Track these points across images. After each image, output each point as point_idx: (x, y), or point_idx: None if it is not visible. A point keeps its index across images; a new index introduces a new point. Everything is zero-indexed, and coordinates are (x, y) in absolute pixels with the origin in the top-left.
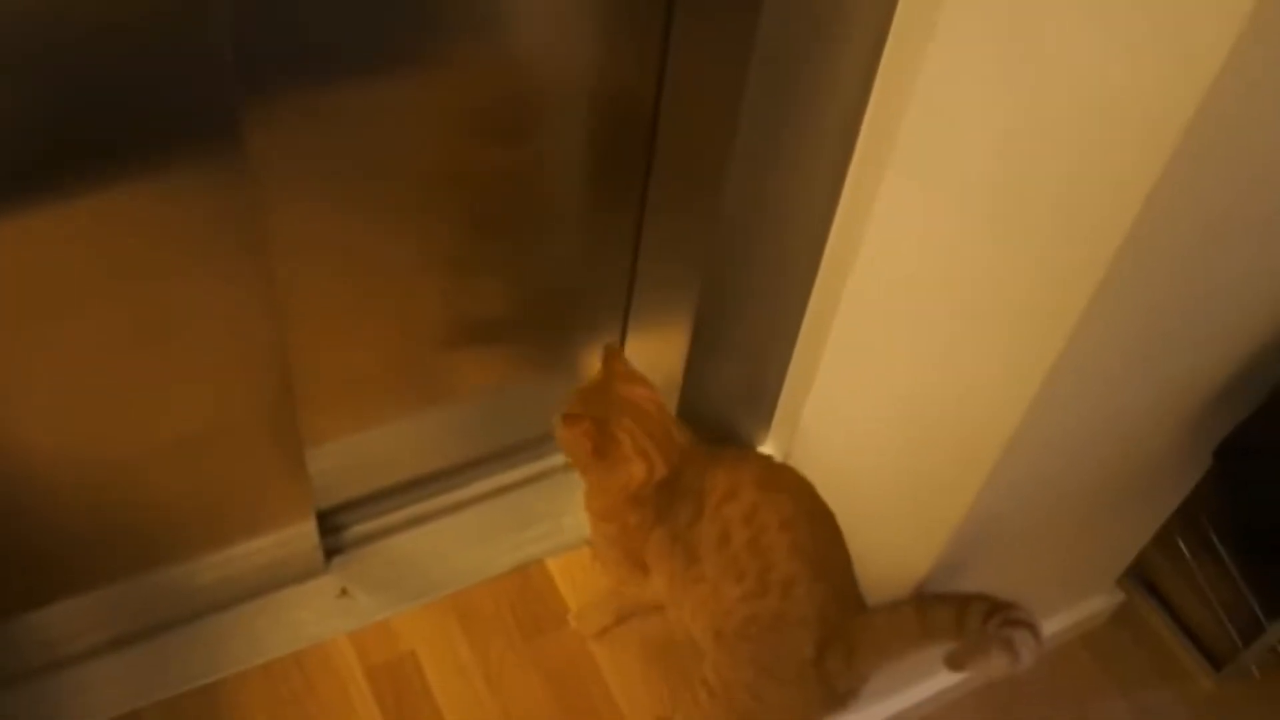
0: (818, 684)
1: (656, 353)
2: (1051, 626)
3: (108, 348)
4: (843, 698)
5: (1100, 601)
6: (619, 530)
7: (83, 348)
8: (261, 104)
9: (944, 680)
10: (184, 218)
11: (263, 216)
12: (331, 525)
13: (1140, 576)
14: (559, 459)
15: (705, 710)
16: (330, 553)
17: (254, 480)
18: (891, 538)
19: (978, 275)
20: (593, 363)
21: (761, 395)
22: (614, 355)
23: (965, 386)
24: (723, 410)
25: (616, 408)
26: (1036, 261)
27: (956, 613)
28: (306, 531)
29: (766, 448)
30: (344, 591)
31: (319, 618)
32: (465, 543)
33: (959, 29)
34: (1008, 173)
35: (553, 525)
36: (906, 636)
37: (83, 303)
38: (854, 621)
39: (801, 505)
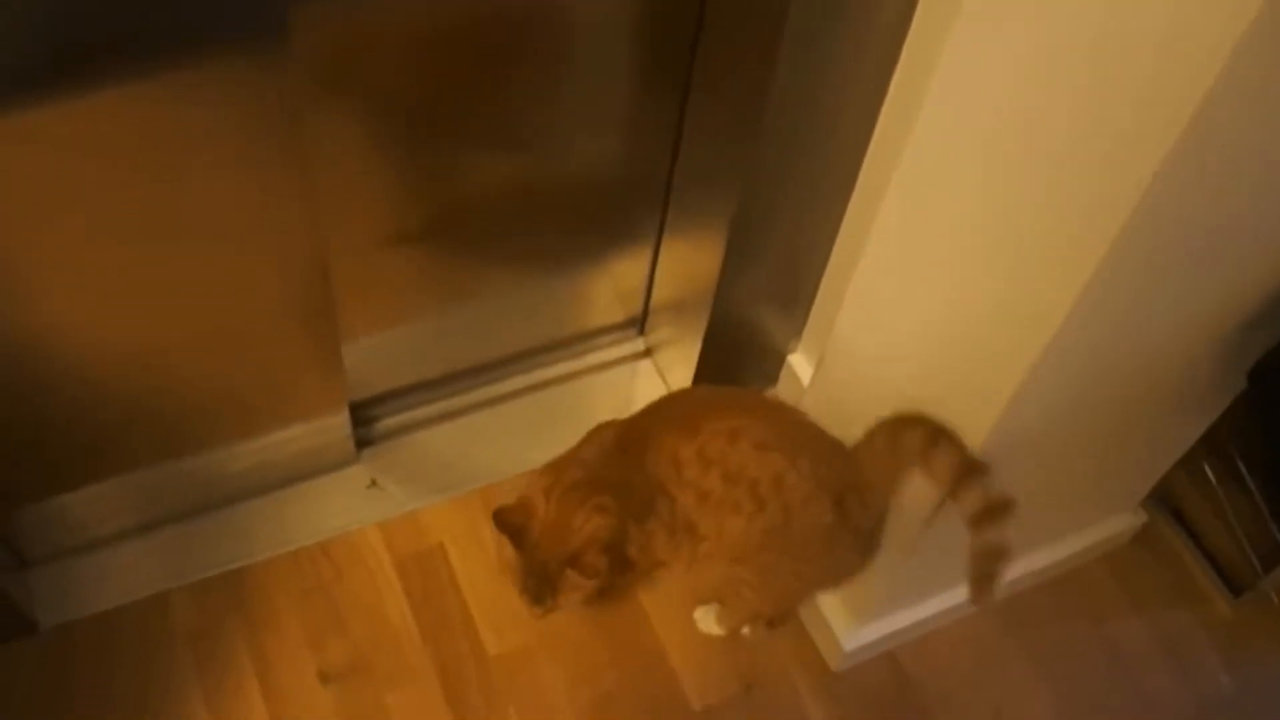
0: (847, 536)
1: (692, 255)
2: (1073, 545)
3: (149, 237)
4: (871, 534)
5: (1123, 522)
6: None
7: (124, 237)
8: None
9: (960, 594)
10: (227, 111)
11: (304, 111)
12: (364, 417)
13: (1164, 499)
14: (590, 359)
15: (751, 604)
16: (361, 444)
17: (290, 370)
18: None
19: (1019, 185)
20: (627, 264)
21: (795, 301)
22: None
23: (1001, 297)
24: (756, 315)
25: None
26: (1080, 171)
27: (922, 443)
28: (339, 423)
29: (798, 354)
30: (374, 483)
31: (348, 508)
32: (496, 438)
33: None
34: (1054, 81)
35: (584, 424)
36: (894, 460)
37: (126, 192)
38: (848, 466)
39: (734, 408)
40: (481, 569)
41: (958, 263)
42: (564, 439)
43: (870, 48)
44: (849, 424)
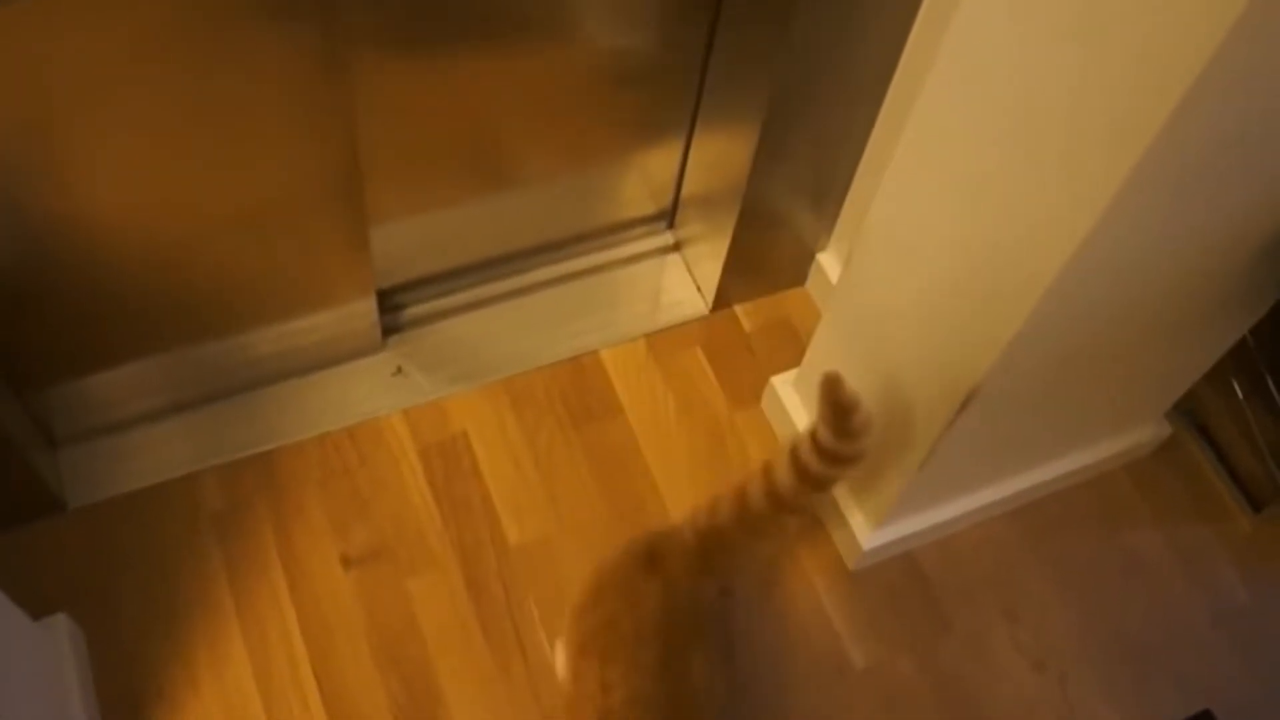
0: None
1: (723, 148)
2: (1095, 453)
3: (178, 117)
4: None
5: (1147, 432)
6: None
7: (152, 117)
8: None
9: (980, 498)
10: None
11: None
12: (390, 304)
13: (1190, 412)
14: (618, 252)
15: None
16: (388, 331)
17: (318, 255)
18: (941, 351)
19: (1058, 81)
20: (658, 157)
21: (826, 199)
22: None
23: (1035, 196)
24: (786, 212)
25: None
26: (1121, 66)
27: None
28: (366, 309)
29: (827, 252)
30: (399, 370)
31: (373, 394)
32: (521, 329)
33: None
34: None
35: (608, 317)
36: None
37: (158, 73)
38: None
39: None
40: (504, 458)
41: (988, 164)
42: (590, 331)
43: None
44: (877, 323)
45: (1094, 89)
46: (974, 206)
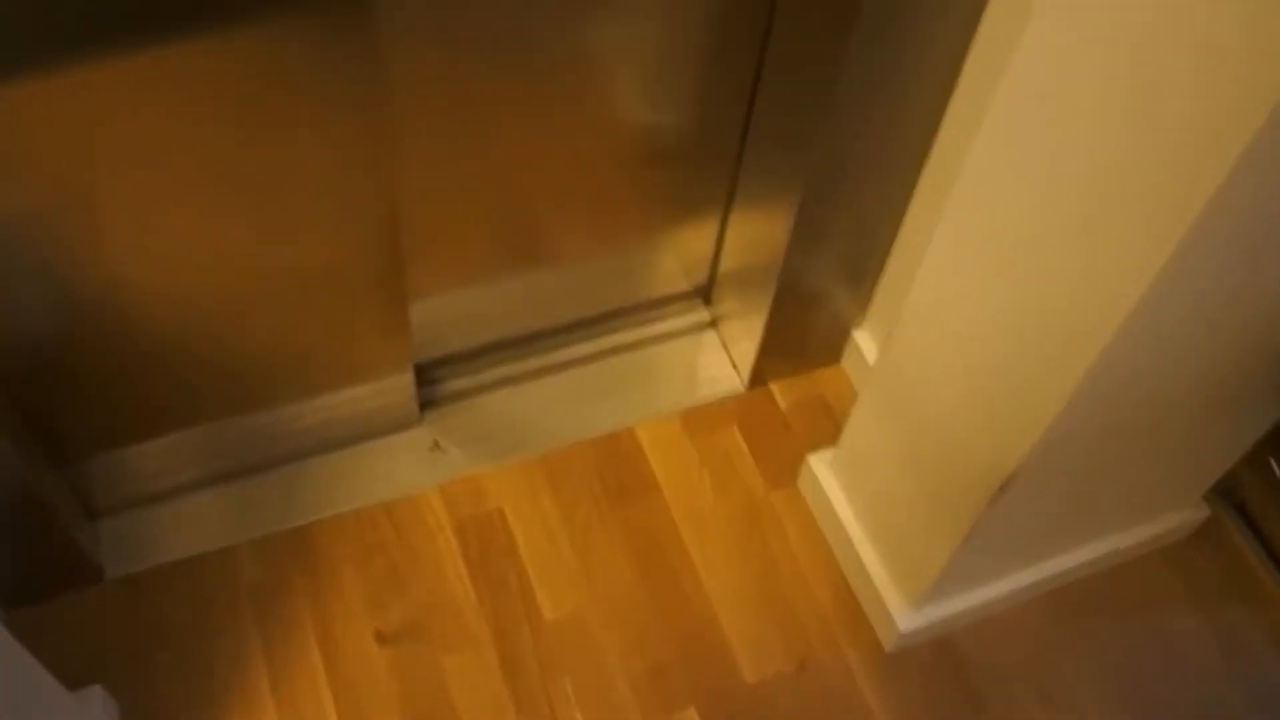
0: None
1: (760, 225)
2: (1132, 537)
3: (222, 187)
4: None
5: (1185, 515)
6: None
7: (197, 187)
8: None
9: (1017, 580)
10: (306, 60)
11: (382, 64)
12: (428, 379)
13: (1228, 493)
14: (655, 328)
15: None
16: (425, 406)
17: (357, 329)
18: (982, 432)
19: (1104, 160)
20: (694, 234)
21: (862, 276)
22: None
23: (1080, 270)
24: (823, 289)
25: None
26: (1170, 135)
27: None
28: (404, 383)
29: (863, 330)
30: (436, 445)
31: (410, 469)
32: (557, 404)
33: None
34: (1138, 66)
35: (645, 393)
36: None
37: (204, 143)
38: None
39: None
40: (540, 535)
41: (1032, 239)
42: (626, 407)
43: (948, 23)
44: (915, 403)
45: (1142, 160)
46: (1017, 284)
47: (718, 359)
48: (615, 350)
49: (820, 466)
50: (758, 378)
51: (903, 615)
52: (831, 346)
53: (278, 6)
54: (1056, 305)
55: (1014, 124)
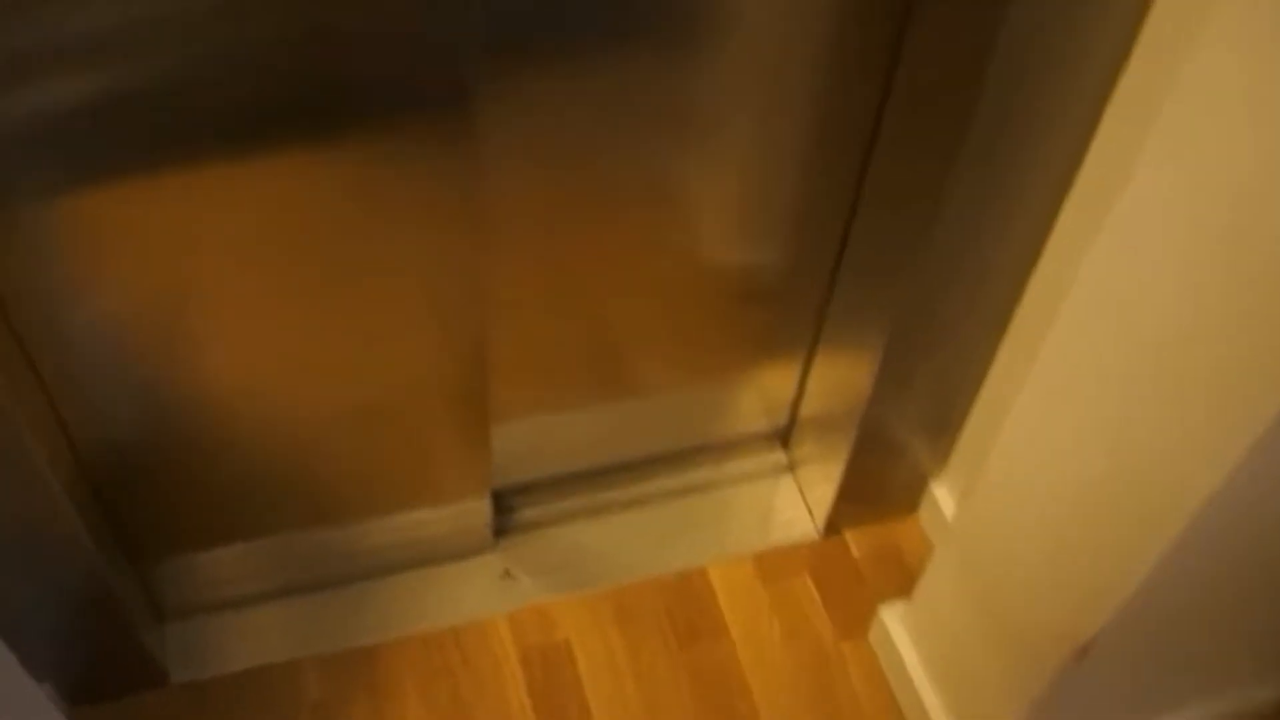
0: None
1: (844, 370)
2: (1216, 708)
3: (310, 301)
4: None
5: (1271, 691)
6: None
7: (285, 299)
8: (497, 80)
9: None
10: (404, 177)
11: (482, 180)
12: (503, 505)
13: None
14: (731, 469)
15: None
16: (498, 532)
17: (438, 450)
18: (1061, 596)
19: (1203, 324)
20: (777, 375)
21: (945, 427)
22: None
23: (1175, 432)
24: (904, 439)
25: None
26: (1273, 306)
27: None
28: (480, 508)
29: (942, 481)
30: (507, 573)
31: (480, 595)
32: (631, 539)
33: (1209, 69)
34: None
35: (718, 534)
36: None
37: (291, 254)
38: None
39: None
40: (605, 670)
41: (1121, 411)
42: (699, 547)
43: (1044, 178)
44: (994, 563)
45: (1242, 323)
46: (1107, 447)
47: (793, 503)
48: (691, 488)
49: (892, 619)
50: (833, 525)
51: None
52: (908, 497)
53: (385, 116)
54: (1147, 470)
55: (1110, 281)
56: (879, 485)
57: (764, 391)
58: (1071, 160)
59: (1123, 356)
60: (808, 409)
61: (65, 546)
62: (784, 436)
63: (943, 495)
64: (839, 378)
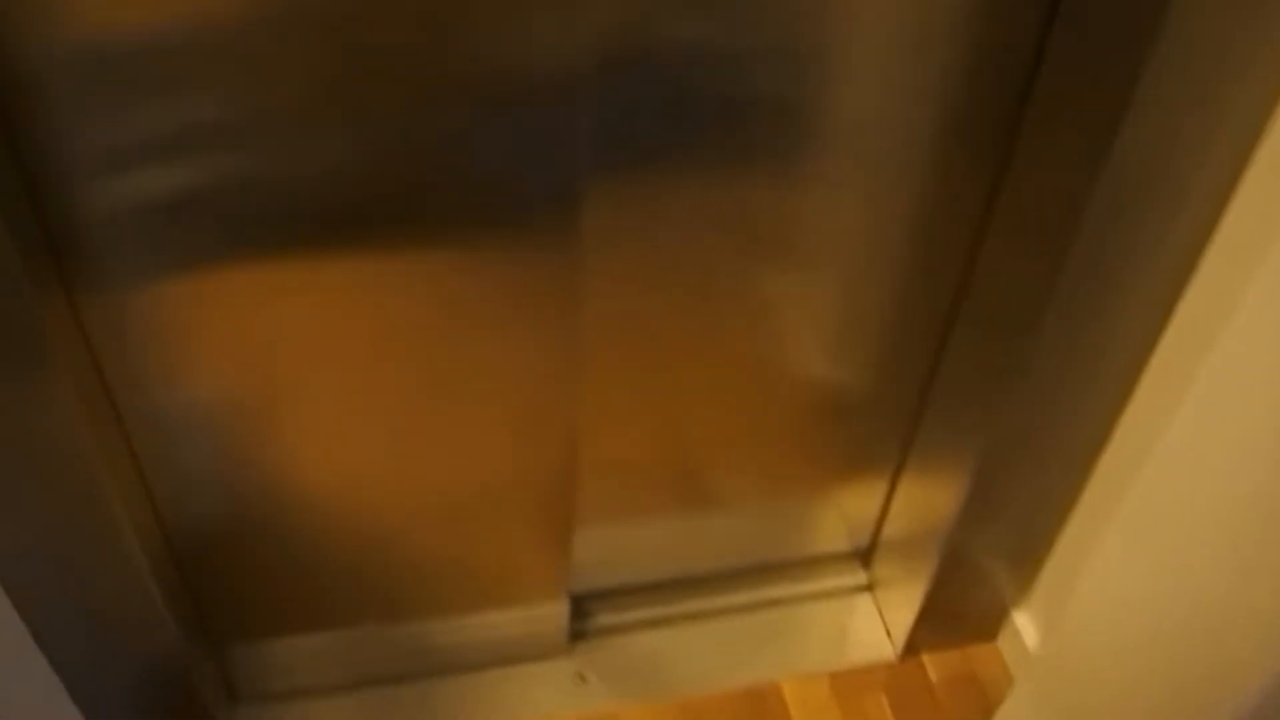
0: None
1: (930, 494)
2: None
3: (404, 398)
4: None
5: None
6: None
7: (378, 395)
8: (603, 189)
9: None
10: (508, 279)
11: (580, 292)
12: (580, 609)
13: None
14: (810, 586)
15: None
16: (574, 636)
17: (519, 552)
18: None
19: None
20: (861, 495)
21: (1029, 556)
22: None
23: (1262, 589)
24: (987, 566)
25: None
26: None
27: None
28: (558, 612)
29: (1023, 610)
30: (581, 677)
31: (553, 698)
32: (707, 651)
33: None
34: None
35: (793, 650)
36: None
37: (387, 351)
38: None
39: None
40: None
41: (1208, 555)
42: (773, 662)
43: (1143, 311)
44: (1077, 702)
45: None
46: (1194, 592)
47: (871, 624)
48: (769, 603)
49: None
50: (910, 647)
51: None
52: (989, 623)
53: (491, 221)
54: (1237, 616)
55: (1209, 424)
56: (959, 610)
57: (847, 511)
58: (1172, 294)
59: (1218, 502)
60: (890, 530)
61: (147, 623)
62: (865, 556)
63: (1024, 624)
64: (925, 501)
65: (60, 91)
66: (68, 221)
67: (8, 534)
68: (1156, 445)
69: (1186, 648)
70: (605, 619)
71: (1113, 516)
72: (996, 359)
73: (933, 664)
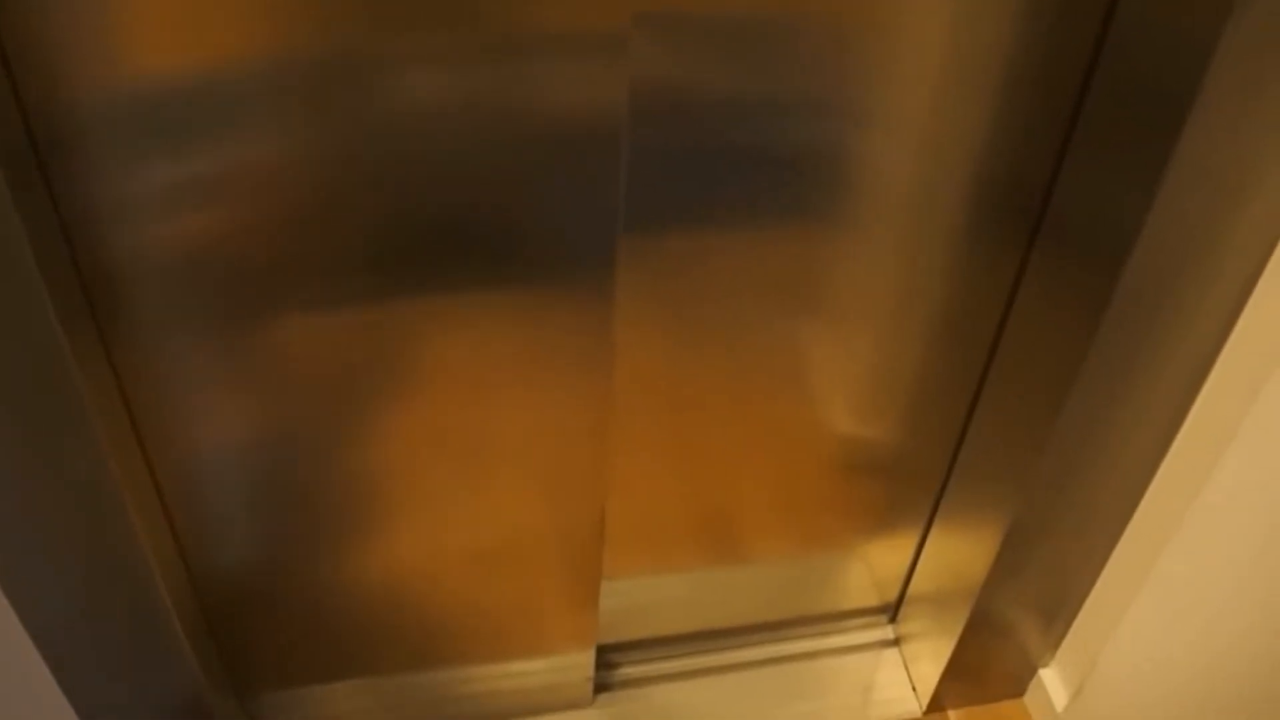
0: None
1: (960, 551)
2: None
3: (435, 448)
4: None
5: None
6: None
7: (410, 444)
8: (638, 244)
9: None
10: (541, 335)
11: (615, 345)
12: (606, 661)
13: None
14: (836, 640)
15: None
16: (599, 687)
17: (547, 603)
18: None
19: None
20: (889, 551)
21: (1058, 615)
22: None
23: None
24: (1016, 624)
25: None
26: None
27: None
28: (583, 662)
29: (1051, 668)
30: None
31: None
32: (730, 704)
33: None
34: None
35: (818, 704)
36: None
37: (418, 403)
38: None
39: None
40: None
41: (1253, 618)
42: (798, 716)
43: (1179, 371)
44: None
45: None
46: (1233, 648)
47: (897, 679)
48: (794, 657)
49: None
50: (936, 703)
51: None
52: (1016, 681)
53: (524, 269)
54: (1271, 679)
55: (1242, 484)
56: (986, 667)
57: (875, 566)
58: (1209, 352)
59: (1252, 565)
60: (919, 585)
61: (172, 669)
62: (892, 611)
63: (1051, 682)
64: (954, 558)
65: (97, 142)
66: (103, 270)
67: (33, 575)
68: (1192, 506)
69: (1217, 711)
70: (631, 670)
71: (1144, 576)
72: (1029, 417)
73: (957, 719)
